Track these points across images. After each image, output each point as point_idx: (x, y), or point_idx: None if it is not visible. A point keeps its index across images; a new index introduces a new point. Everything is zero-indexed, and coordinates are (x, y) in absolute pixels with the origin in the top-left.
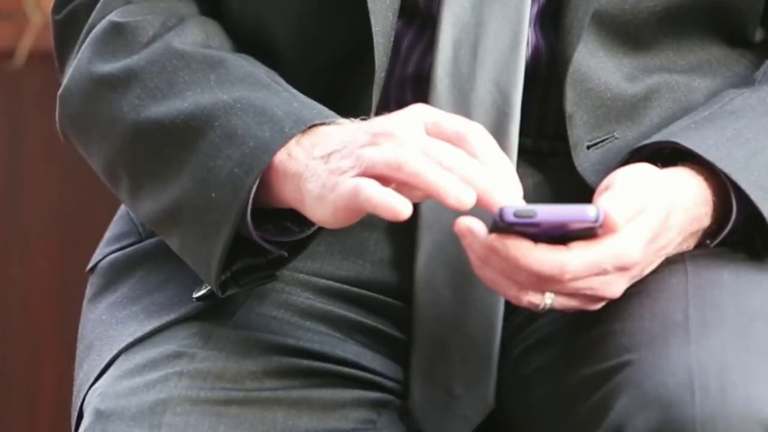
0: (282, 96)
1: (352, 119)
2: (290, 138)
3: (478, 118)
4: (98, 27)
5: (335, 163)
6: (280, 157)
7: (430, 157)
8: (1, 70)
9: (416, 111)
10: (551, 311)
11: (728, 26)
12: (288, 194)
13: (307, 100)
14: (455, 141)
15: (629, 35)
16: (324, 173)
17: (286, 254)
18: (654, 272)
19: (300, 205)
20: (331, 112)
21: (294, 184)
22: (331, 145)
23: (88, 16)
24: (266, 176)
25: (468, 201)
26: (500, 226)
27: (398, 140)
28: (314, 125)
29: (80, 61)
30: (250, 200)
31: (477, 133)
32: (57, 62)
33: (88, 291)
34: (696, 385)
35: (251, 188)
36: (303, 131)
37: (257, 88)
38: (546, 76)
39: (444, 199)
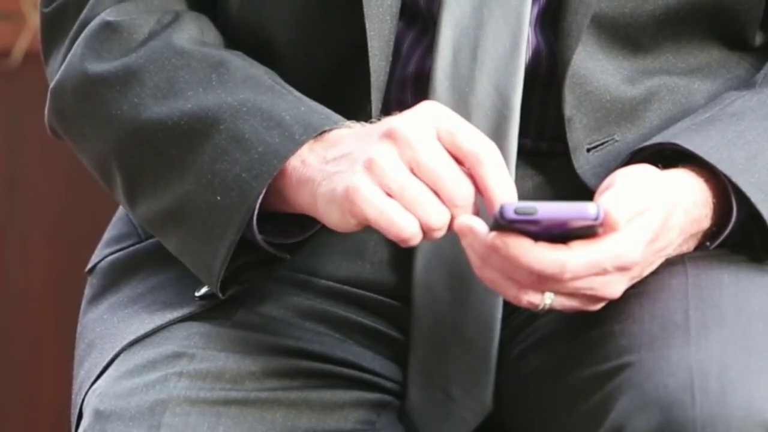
0: (287, 99)
1: (363, 123)
2: (301, 145)
3: (477, 121)
4: (91, 25)
5: (345, 165)
6: (294, 164)
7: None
8: None
9: (430, 113)
10: (551, 311)
11: (728, 30)
12: (303, 200)
13: (312, 103)
14: (468, 159)
15: (629, 38)
16: (335, 176)
17: (288, 257)
18: (654, 273)
19: (313, 210)
20: (339, 117)
21: (309, 189)
22: (344, 149)
23: (78, 11)
24: (275, 182)
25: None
26: (500, 224)
27: (406, 142)
28: (325, 131)
29: (73, 58)
30: (257, 205)
31: (492, 156)
32: (42, 55)
33: (88, 291)
34: (696, 386)
35: (260, 194)
36: (314, 137)
37: (261, 90)
38: (546, 77)
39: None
